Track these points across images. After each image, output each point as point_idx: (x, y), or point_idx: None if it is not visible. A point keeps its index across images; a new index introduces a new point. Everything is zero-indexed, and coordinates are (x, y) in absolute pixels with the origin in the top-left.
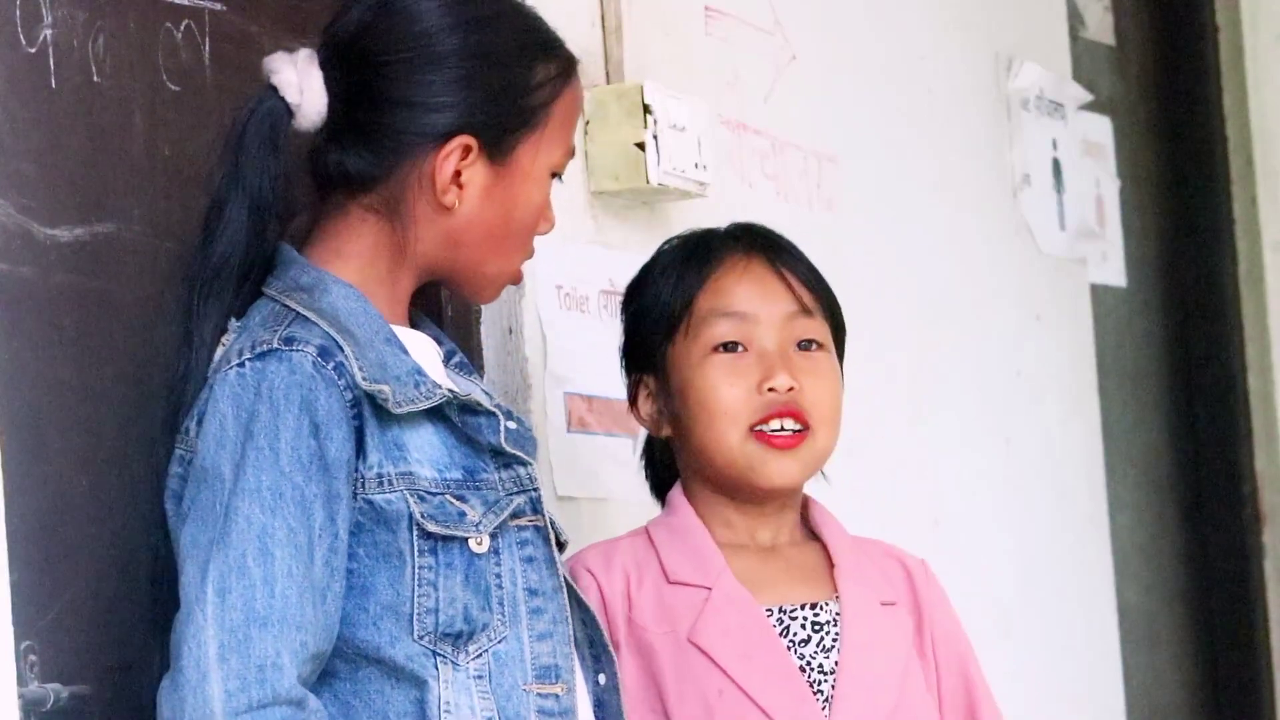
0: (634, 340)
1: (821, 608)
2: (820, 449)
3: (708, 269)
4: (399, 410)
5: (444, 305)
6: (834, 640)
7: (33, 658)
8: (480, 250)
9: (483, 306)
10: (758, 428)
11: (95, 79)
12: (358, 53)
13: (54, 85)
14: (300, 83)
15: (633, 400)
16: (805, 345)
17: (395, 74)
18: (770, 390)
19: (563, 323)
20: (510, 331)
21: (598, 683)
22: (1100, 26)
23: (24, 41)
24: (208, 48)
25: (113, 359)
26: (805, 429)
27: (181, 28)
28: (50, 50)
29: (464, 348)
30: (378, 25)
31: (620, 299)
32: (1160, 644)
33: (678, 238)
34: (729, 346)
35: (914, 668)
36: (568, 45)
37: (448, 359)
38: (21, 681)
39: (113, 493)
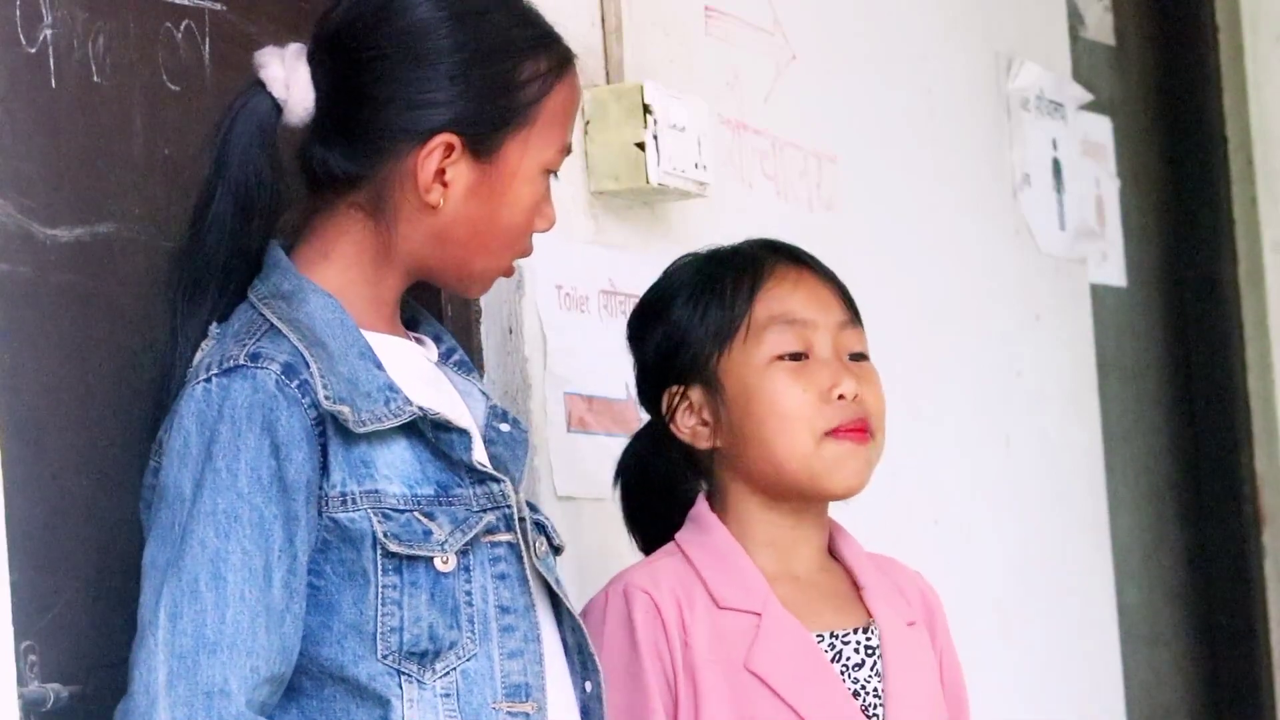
0: (666, 359)
1: (872, 632)
2: (877, 455)
3: (760, 277)
4: (361, 430)
5: (444, 305)
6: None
7: (33, 658)
8: (467, 249)
9: (483, 306)
10: (829, 436)
11: (95, 79)
12: (343, 48)
13: (54, 85)
14: (287, 78)
15: (670, 415)
16: (855, 357)
17: (378, 70)
18: (839, 397)
19: (563, 323)
20: (510, 331)
21: (584, 690)
22: (1100, 26)
23: (24, 41)
24: (208, 48)
25: (113, 359)
26: (866, 434)
27: (181, 28)
28: (50, 50)
29: (464, 348)
30: (363, 20)
31: (621, 299)
32: (1160, 644)
33: (690, 259)
34: (794, 356)
35: (938, 683)
36: (565, 40)
37: (446, 357)
38: (21, 681)
39: (113, 493)
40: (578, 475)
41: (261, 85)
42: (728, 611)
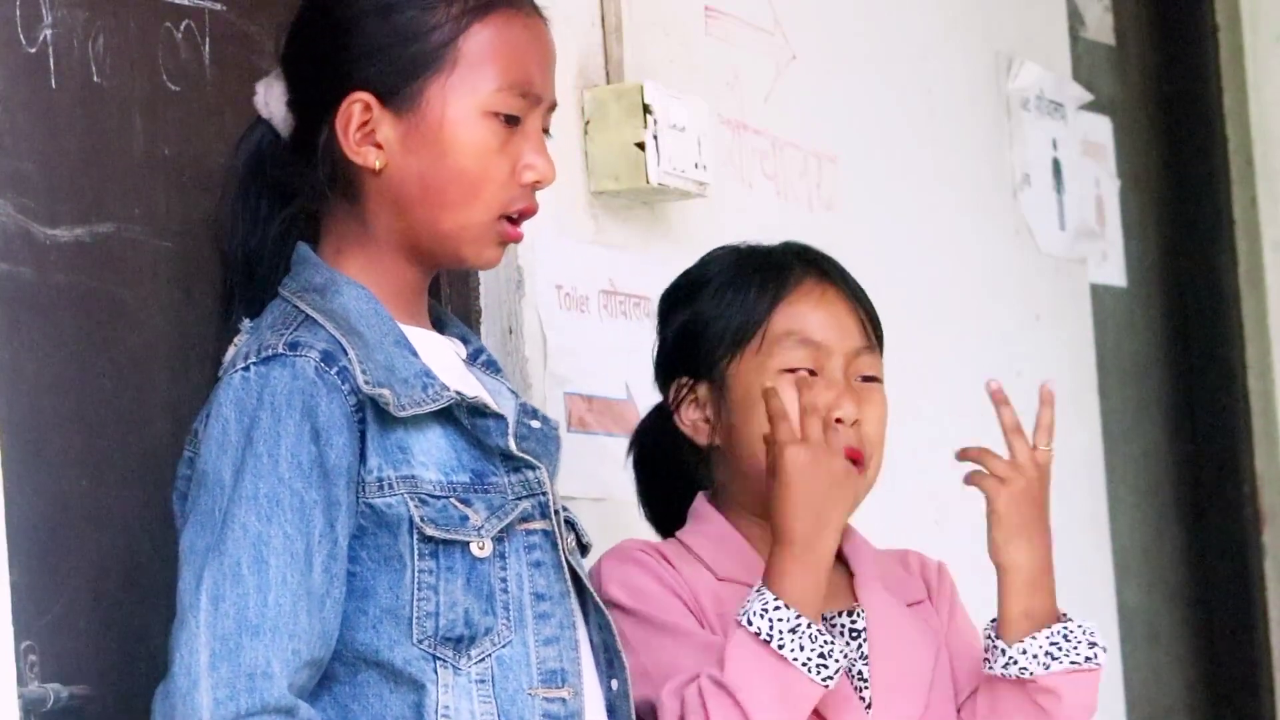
0: (683, 347)
1: (858, 615)
2: (869, 482)
3: (784, 288)
4: (402, 413)
5: (444, 305)
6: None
7: (33, 658)
8: (426, 207)
9: (483, 307)
10: None
11: (95, 79)
12: (288, 50)
13: (54, 85)
14: (265, 96)
15: (675, 406)
16: (865, 379)
17: (298, 60)
18: (837, 420)
19: (563, 323)
20: (510, 331)
21: (610, 688)
22: (1100, 26)
23: (24, 41)
24: (208, 48)
25: (113, 359)
26: (859, 463)
27: (181, 28)
28: (50, 50)
29: None
30: (294, 19)
31: (621, 299)
32: (1160, 644)
33: (730, 249)
34: (800, 372)
35: (944, 662)
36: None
37: (474, 358)
38: (21, 681)
39: (113, 493)
40: (578, 475)
41: (260, 116)
42: (726, 583)
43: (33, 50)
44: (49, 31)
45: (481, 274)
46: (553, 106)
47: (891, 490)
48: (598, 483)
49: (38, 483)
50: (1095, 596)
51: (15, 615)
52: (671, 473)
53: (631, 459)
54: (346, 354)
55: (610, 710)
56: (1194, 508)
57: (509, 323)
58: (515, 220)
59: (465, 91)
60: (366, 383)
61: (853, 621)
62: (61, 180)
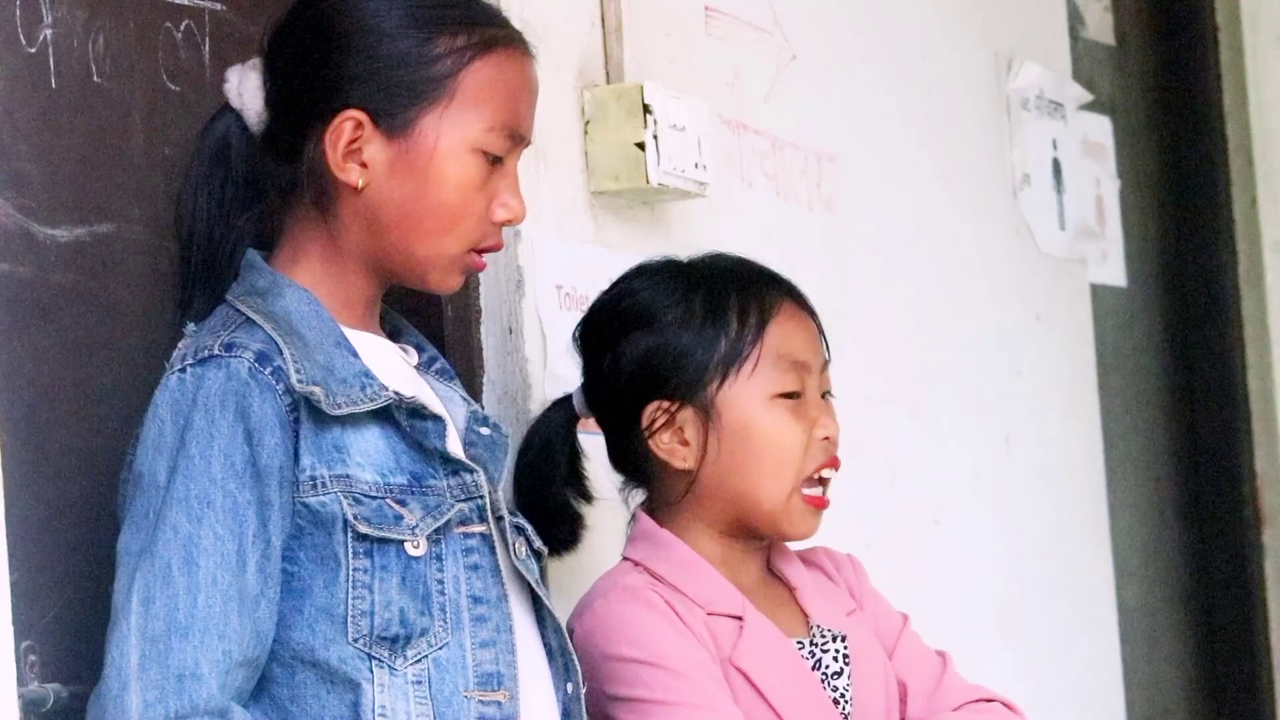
0: (652, 375)
1: (847, 640)
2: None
3: (767, 310)
4: (336, 411)
5: (444, 305)
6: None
7: (33, 658)
8: (401, 232)
9: (483, 306)
10: (809, 479)
11: (95, 79)
12: (275, 47)
13: (54, 85)
14: (239, 87)
15: (651, 430)
16: (824, 395)
17: (295, 60)
18: (825, 439)
19: (563, 323)
20: (510, 331)
21: (566, 691)
22: (1100, 26)
23: (24, 41)
24: (208, 48)
25: (113, 359)
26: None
27: (181, 28)
28: (50, 50)
29: (464, 348)
30: (292, 15)
31: None
32: (1160, 644)
33: (660, 269)
34: (790, 394)
35: (888, 666)
36: (502, 25)
37: (428, 365)
38: (21, 681)
39: (113, 493)
40: None
41: (228, 105)
42: (715, 616)
43: (33, 50)
44: (49, 31)
45: (481, 274)
46: (528, 145)
47: (891, 490)
48: (597, 482)
49: (38, 483)
50: (1095, 597)
51: (15, 615)
52: (555, 480)
53: (518, 466)
54: (282, 354)
55: (565, 714)
56: (1194, 508)
57: (509, 323)
58: (480, 252)
59: (459, 126)
60: (300, 381)
61: (846, 648)
62: (61, 180)
